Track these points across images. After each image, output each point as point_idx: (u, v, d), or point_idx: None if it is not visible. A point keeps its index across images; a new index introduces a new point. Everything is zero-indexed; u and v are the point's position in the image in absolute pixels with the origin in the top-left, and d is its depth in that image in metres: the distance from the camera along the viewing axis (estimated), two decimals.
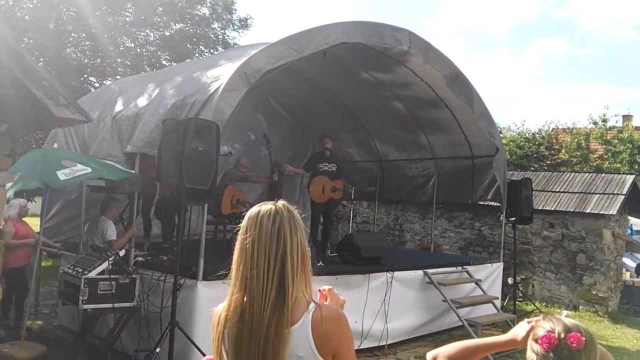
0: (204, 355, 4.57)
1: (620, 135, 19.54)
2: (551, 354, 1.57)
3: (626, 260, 11.13)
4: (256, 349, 1.66)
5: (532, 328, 1.67)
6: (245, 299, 1.70)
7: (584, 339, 1.56)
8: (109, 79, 13.87)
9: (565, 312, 1.78)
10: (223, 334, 1.74)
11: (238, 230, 1.80)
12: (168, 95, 6.40)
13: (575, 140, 19.72)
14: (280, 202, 1.81)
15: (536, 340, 1.61)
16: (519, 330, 1.73)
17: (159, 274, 5.63)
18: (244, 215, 1.81)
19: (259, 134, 9.94)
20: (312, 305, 1.71)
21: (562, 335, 1.57)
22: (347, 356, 1.74)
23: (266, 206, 1.79)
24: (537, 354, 1.60)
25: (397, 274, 7.05)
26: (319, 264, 6.60)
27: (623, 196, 10.14)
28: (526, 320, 1.73)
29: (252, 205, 1.87)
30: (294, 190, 10.62)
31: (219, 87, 5.75)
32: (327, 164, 8.76)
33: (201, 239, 5.58)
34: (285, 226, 1.73)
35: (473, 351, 1.81)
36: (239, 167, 8.32)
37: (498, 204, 9.41)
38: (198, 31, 15.28)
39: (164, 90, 6.65)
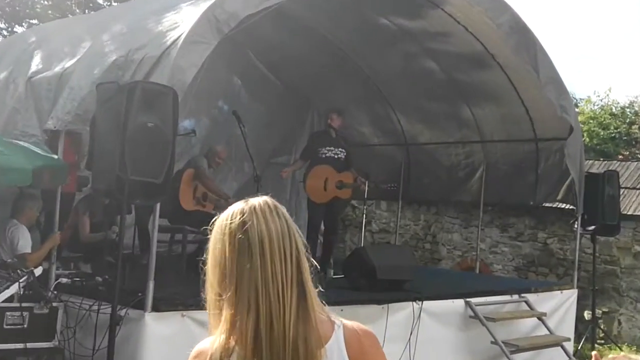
0: None
1: None
2: None
3: None
4: None
5: None
6: (255, 321, 1.73)
7: None
8: (23, 24, 13.81)
9: None
10: None
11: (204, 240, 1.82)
12: (106, 49, 6.39)
13: None
14: (267, 198, 1.85)
15: None
16: None
17: (90, 302, 5.60)
18: (215, 216, 1.81)
19: (234, 105, 9.88)
20: (336, 320, 1.86)
21: None
22: None
23: (255, 199, 1.81)
24: None
25: (427, 303, 7.06)
26: (317, 290, 6.56)
27: None
28: None
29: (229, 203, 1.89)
30: (284, 186, 10.59)
31: (179, 37, 5.75)
32: (332, 148, 8.73)
33: (151, 252, 5.57)
34: (290, 221, 1.80)
35: None
36: (212, 157, 8.11)
37: (571, 207, 9.42)
38: None
39: (100, 42, 6.65)
